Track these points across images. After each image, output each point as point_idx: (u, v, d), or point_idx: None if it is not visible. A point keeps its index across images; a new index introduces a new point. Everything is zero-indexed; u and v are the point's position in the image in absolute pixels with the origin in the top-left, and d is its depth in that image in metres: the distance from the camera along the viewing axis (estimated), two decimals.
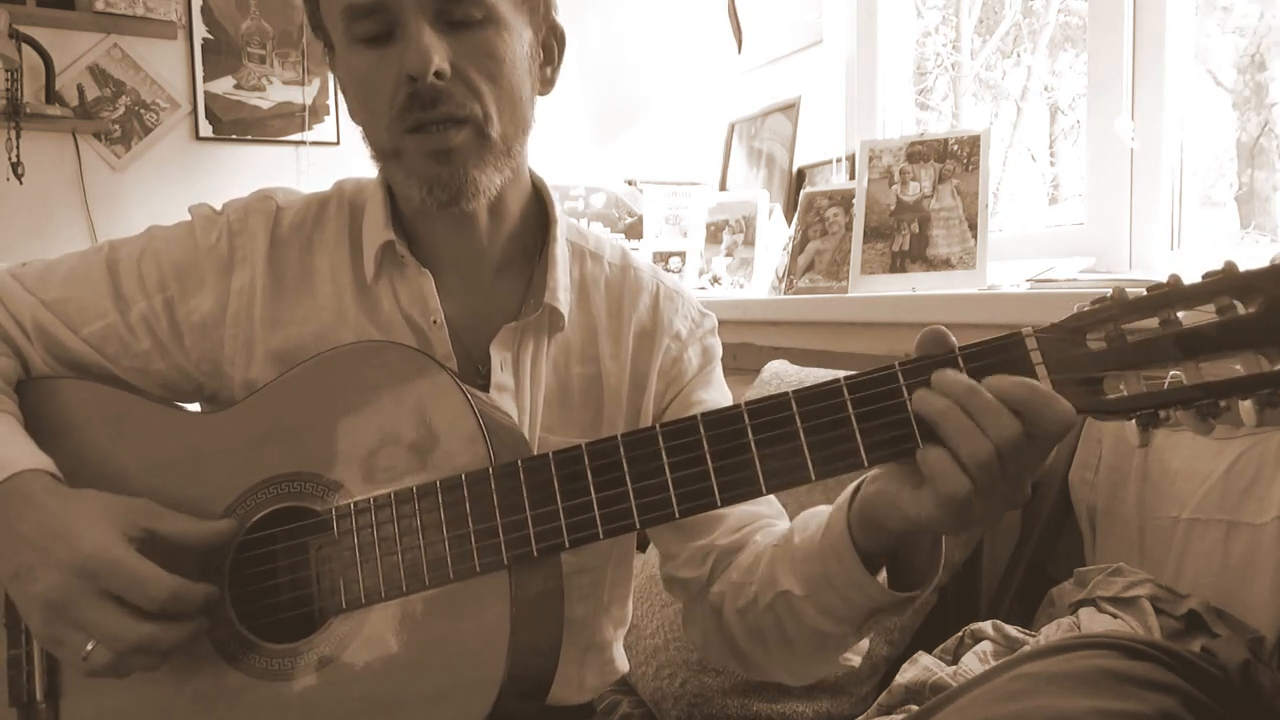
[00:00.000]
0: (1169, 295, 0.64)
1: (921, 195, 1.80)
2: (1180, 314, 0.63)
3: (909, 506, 0.70)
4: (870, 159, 1.88)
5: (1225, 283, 0.62)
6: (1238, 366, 0.62)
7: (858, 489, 0.78)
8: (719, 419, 0.72)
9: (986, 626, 1.17)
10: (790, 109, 2.52)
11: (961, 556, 1.40)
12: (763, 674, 0.95)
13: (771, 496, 0.97)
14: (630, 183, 2.92)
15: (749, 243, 2.34)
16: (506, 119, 0.87)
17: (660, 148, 3.14)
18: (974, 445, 0.65)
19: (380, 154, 0.89)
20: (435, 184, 0.86)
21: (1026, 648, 1.08)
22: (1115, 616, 1.11)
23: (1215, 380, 0.62)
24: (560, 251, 0.97)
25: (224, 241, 0.95)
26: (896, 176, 1.84)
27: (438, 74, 0.82)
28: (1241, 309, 0.61)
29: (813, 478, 0.70)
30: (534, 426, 0.96)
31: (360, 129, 0.92)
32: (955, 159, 1.77)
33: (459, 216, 0.92)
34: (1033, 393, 0.64)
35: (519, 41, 0.88)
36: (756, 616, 0.87)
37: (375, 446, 0.81)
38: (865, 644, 0.90)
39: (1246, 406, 0.62)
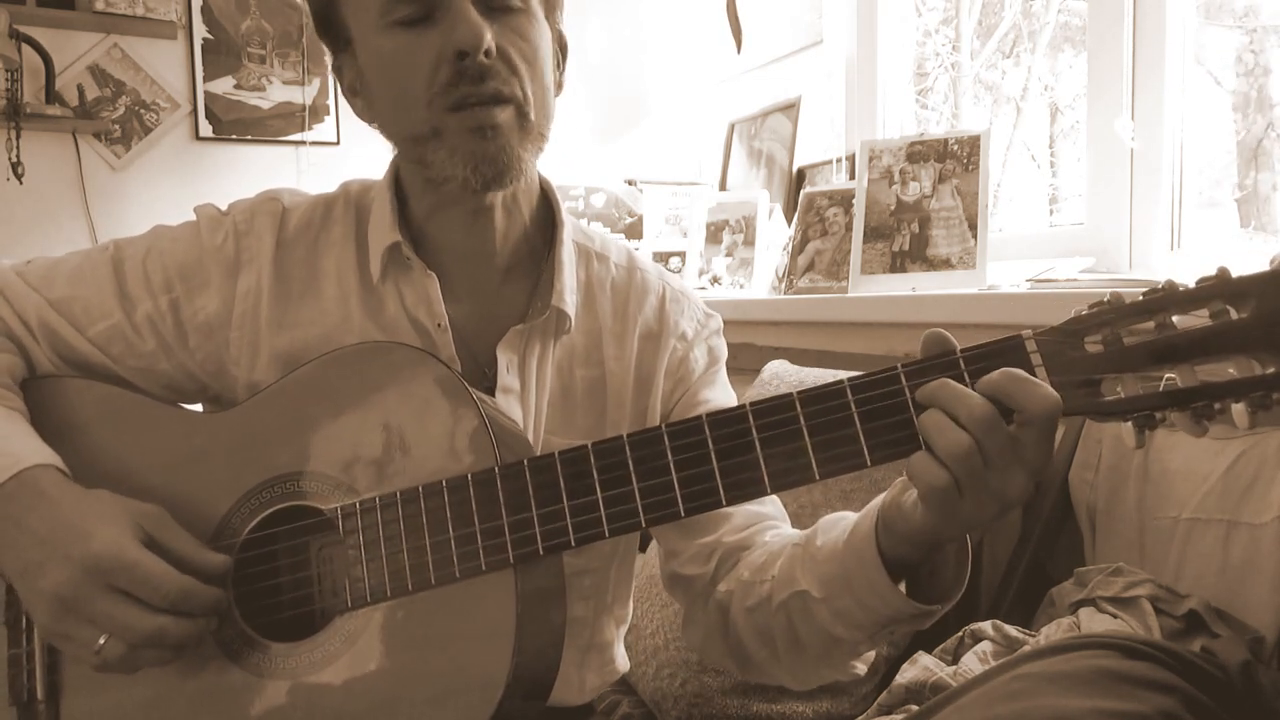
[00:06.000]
0: (1164, 299, 0.65)
1: (921, 195, 1.80)
2: (1175, 318, 0.65)
3: (909, 509, 0.71)
4: (870, 159, 1.88)
5: (1218, 288, 0.64)
6: (1231, 370, 0.64)
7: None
8: (724, 419, 0.73)
9: (986, 626, 1.17)
10: (790, 109, 2.52)
11: None
12: (764, 676, 0.94)
13: (775, 498, 0.98)
14: (630, 183, 2.92)
15: (749, 243, 2.34)
16: (539, 104, 0.88)
17: (660, 148, 3.14)
18: (948, 438, 0.65)
19: (414, 138, 0.87)
20: (481, 161, 0.85)
21: (1026, 648, 1.08)
22: (1115, 616, 1.11)
23: (1209, 383, 0.64)
24: (567, 254, 0.97)
25: (230, 243, 0.94)
26: (896, 176, 1.84)
27: (486, 51, 0.82)
28: (1234, 314, 0.63)
29: (817, 477, 0.71)
30: (538, 429, 0.96)
31: (379, 121, 0.91)
32: (955, 159, 1.77)
33: (478, 211, 0.92)
34: (1013, 380, 0.65)
35: (546, 35, 0.90)
36: (767, 616, 0.87)
37: (379, 446, 0.81)
38: (872, 654, 0.89)
39: (1239, 409, 0.64)
